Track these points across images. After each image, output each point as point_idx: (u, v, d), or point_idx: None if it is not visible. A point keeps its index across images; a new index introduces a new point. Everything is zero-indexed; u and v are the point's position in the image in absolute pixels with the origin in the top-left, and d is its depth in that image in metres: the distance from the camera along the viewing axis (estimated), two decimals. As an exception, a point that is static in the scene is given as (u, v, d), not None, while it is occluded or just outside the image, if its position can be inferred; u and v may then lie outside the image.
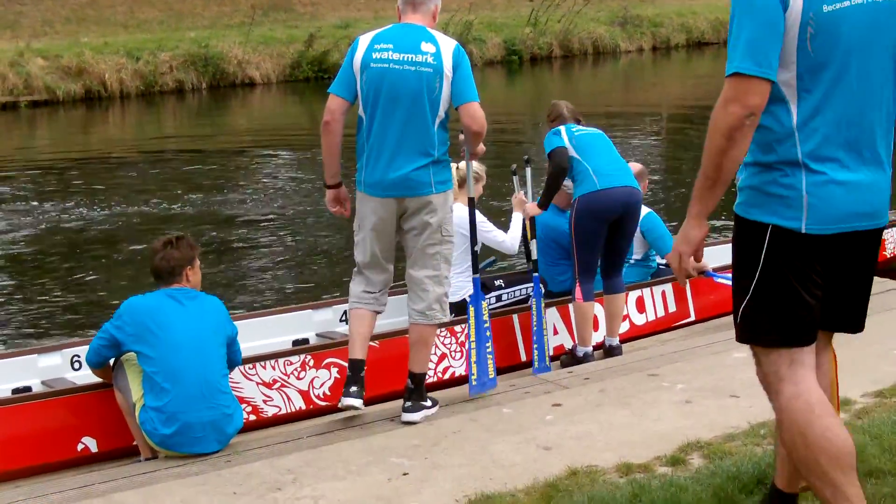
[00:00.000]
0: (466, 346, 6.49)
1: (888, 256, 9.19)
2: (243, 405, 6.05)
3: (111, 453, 5.84)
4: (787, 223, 3.20)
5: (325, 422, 5.95)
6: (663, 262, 8.25)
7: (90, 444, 5.83)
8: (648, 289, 7.84)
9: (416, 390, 5.74)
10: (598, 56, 34.58)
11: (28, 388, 6.39)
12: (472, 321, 6.25)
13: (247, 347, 6.67)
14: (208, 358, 5.52)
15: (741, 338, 3.39)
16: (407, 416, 5.63)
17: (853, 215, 3.22)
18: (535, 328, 6.93)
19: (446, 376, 6.91)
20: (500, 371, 6.42)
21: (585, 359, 7.01)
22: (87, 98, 25.84)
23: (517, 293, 7.67)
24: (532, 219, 7.30)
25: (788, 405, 3.27)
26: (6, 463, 5.62)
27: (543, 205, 7.26)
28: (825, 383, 3.48)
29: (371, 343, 6.13)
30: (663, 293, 7.90)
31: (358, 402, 5.69)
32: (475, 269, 6.47)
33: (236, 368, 6.03)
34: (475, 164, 7.29)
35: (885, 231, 8.94)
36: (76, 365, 6.59)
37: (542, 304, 6.94)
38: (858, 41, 3.14)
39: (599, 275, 7.27)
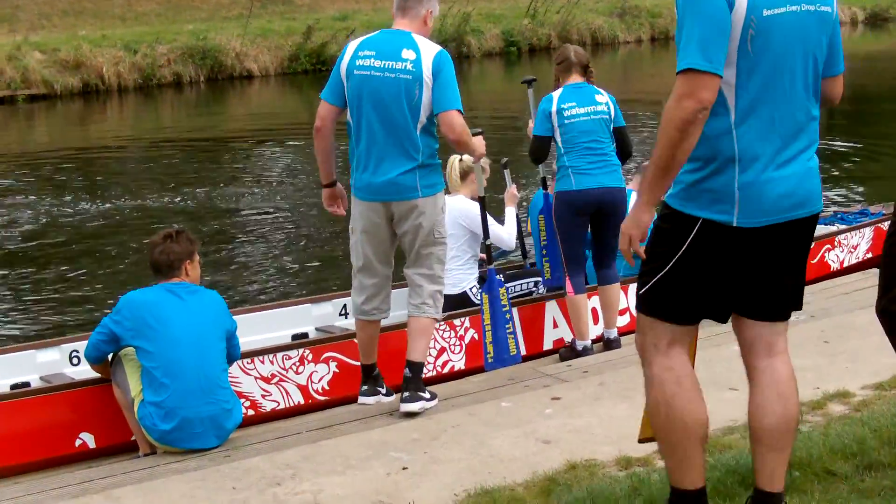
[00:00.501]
0: (482, 329, 6.70)
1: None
2: (242, 400, 6.04)
3: (109, 449, 5.84)
4: (718, 217, 3.37)
5: (324, 416, 5.95)
6: None
7: (88, 439, 5.83)
8: None
9: (414, 380, 5.79)
10: (597, 47, 34.52)
11: (27, 384, 6.38)
12: (485, 307, 6.57)
13: (246, 342, 6.66)
14: (208, 353, 5.51)
15: (640, 305, 3.63)
16: (405, 407, 5.66)
17: (784, 207, 3.40)
18: (488, 323, 6.81)
19: (445, 370, 6.91)
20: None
21: (584, 352, 7.00)
22: (85, 91, 25.80)
23: (518, 288, 7.68)
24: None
25: (660, 375, 3.53)
26: (4, 459, 5.61)
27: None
28: (788, 369, 3.65)
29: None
30: None
31: (371, 400, 6.01)
32: (489, 261, 6.76)
33: (235, 363, 6.03)
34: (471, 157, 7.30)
35: (883, 223, 8.95)
36: (75, 360, 6.58)
37: (500, 299, 6.79)
38: (789, 45, 3.33)
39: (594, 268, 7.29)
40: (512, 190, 7.62)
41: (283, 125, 21.72)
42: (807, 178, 3.45)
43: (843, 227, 9.04)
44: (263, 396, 6.30)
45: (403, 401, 5.70)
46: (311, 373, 6.45)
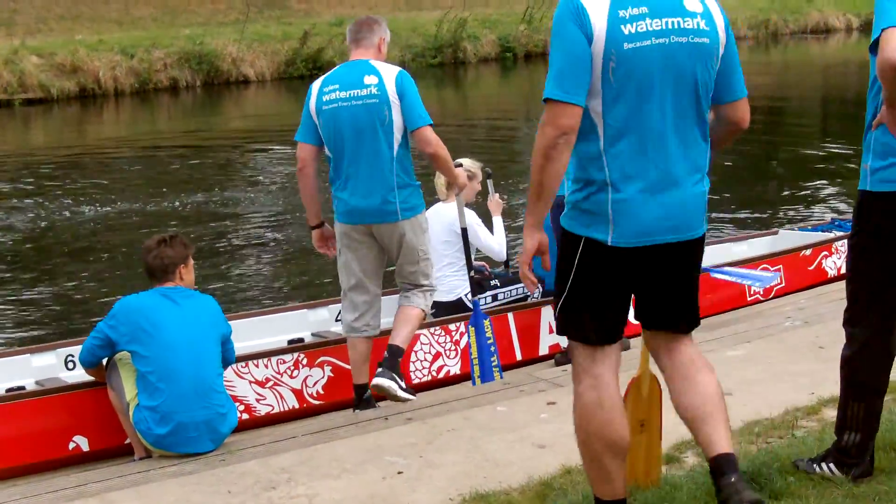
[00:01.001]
0: (468, 355, 6.73)
1: None
2: (236, 404, 6.04)
3: (103, 452, 5.83)
4: (596, 236, 3.54)
5: (320, 421, 5.96)
6: None
7: (82, 442, 5.82)
8: None
9: (390, 360, 6.04)
10: (593, 53, 34.50)
11: (22, 388, 6.37)
12: (472, 339, 6.60)
13: (242, 347, 6.66)
14: (203, 357, 5.51)
15: (557, 329, 3.81)
16: (376, 381, 5.94)
17: (655, 230, 3.53)
18: (476, 346, 6.80)
19: (441, 375, 6.91)
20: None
21: None
22: (82, 96, 25.81)
23: (513, 293, 7.69)
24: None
25: (583, 393, 3.68)
26: (-2, 462, 5.62)
27: None
28: (689, 355, 3.74)
29: None
30: None
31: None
32: (473, 293, 6.85)
33: (229, 367, 6.02)
34: (468, 162, 7.34)
35: None
36: (70, 364, 6.57)
37: (486, 331, 6.74)
38: (655, 75, 3.46)
39: None
40: (495, 198, 7.65)
41: (280, 130, 21.70)
42: (685, 203, 3.57)
43: (841, 234, 9.03)
44: (258, 400, 6.30)
45: (377, 376, 5.94)
46: (306, 377, 6.46)
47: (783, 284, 8.35)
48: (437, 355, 6.91)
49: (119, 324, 5.50)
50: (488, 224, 7.60)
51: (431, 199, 7.02)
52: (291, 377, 6.41)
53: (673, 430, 4.88)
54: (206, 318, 5.61)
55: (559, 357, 7.14)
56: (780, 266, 8.31)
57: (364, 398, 6.14)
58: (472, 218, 7.22)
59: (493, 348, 6.62)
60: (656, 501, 4.03)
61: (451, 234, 7.23)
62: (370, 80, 5.93)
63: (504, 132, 19.78)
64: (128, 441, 5.70)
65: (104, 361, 5.68)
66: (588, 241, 3.56)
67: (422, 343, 6.77)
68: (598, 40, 3.42)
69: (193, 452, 5.41)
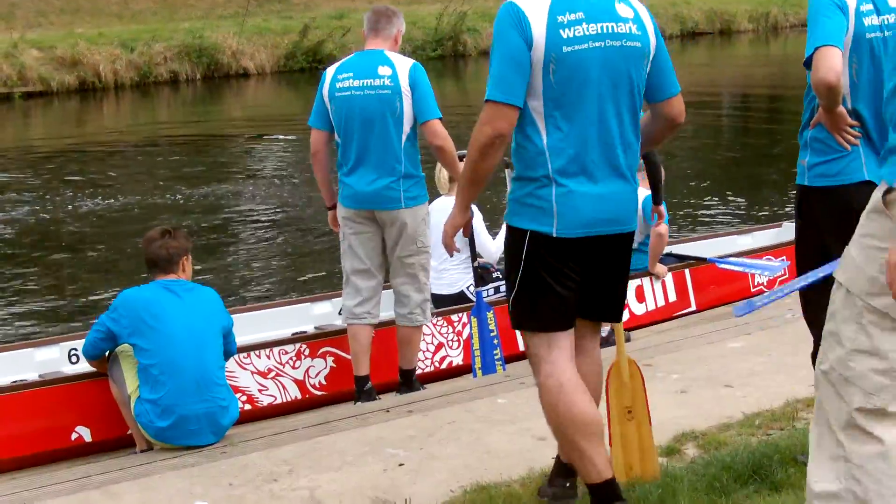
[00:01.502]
0: (470, 352, 6.74)
1: None
2: (238, 394, 6.06)
3: (105, 443, 5.85)
4: (541, 228, 3.72)
5: (321, 413, 5.97)
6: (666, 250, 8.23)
7: (84, 433, 5.83)
8: (648, 278, 7.82)
9: (406, 384, 6.25)
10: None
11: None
12: (474, 331, 6.61)
13: (245, 341, 6.68)
14: (204, 350, 5.52)
15: (512, 324, 3.97)
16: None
17: (596, 221, 3.74)
18: (478, 337, 6.82)
19: (443, 366, 6.92)
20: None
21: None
22: (82, 89, 25.76)
23: None
24: None
25: (544, 382, 3.81)
26: (0, 452, 5.62)
27: None
28: (595, 368, 4.01)
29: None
30: (663, 283, 7.90)
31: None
32: (476, 284, 6.83)
33: (231, 358, 6.03)
34: None
35: None
36: (73, 358, 6.58)
37: (488, 324, 6.79)
38: (593, 77, 3.66)
39: None
40: None
41: (280, 123, 21.70)
42: (621, 197, 3.79)
43: None
44: (260, 391, 6.31)
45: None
46: (308, 367, 6.47)
47: (787, 276, 8.32)
48: (439, 346, 6.92)
49: (121, 316, 5.50)
50: (497, 226, 7.60)
51: (432, 192, 7.01)
52: (294, 368, 6.42)
53: (673, 422, 4.90)
54: (207, 311, 5.62)
55: None
56: (785, 257, 8.30)
57: (365, 389, 6.16)
58: (476, 218, 7.19)
59: (495, 340, 6.63)
60: (656, 493, 4.03)
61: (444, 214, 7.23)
62: (384, 70, 6.04)
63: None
64: (131, 432, 5.70)
65: (107, 354, 5.68)
66: (533, 233, 3.74)
67: (424, 334, 6.77)
68: (537, 44, 3.61)
69: (195, 445, 5.42)
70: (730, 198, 13.30)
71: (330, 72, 6.20)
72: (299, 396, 6.41)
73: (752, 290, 8.24)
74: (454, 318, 6.95)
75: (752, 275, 8.16)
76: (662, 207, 7.42)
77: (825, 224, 4.15)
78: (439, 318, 6.88)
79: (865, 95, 4.02)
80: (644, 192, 7.66)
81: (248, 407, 6.20)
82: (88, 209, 13.75)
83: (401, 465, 4.79)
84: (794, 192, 4.37)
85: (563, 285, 3.78)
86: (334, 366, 6.52)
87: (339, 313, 7.54)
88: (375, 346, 6.34)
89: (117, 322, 5.50)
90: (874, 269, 2.65)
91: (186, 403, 5.38)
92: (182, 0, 33.72)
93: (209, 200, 14.17)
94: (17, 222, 13.22)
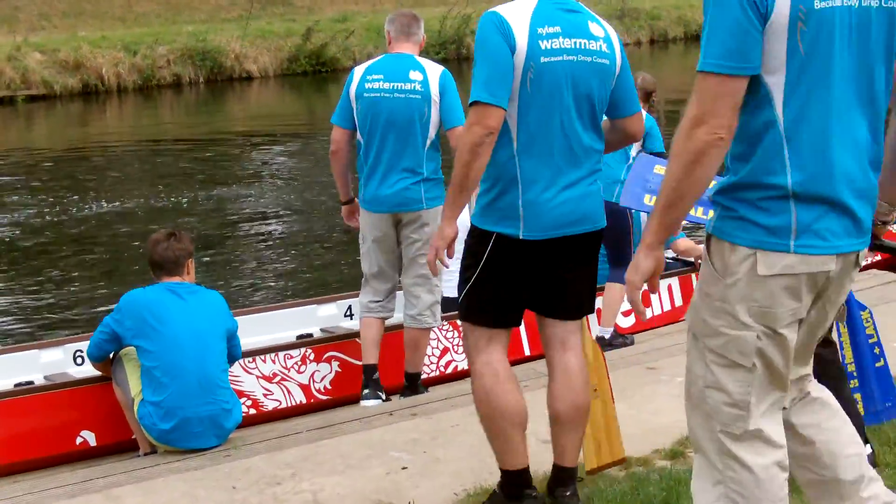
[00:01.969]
0: None
1: None
2: (243, 399, 6.06)
3: (110, 447, 5.84)
4: (507, 231, 3.93)
5: (324, 416, 5.96)
6: (670, 255, 8.23)
7: (89, 437, 5.83)
8: None
9: (411, 388, 6.24)
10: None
11: (30, 383, 6.39)
12: None
13: (251, 342, 6.68)
14: (208, 353, 5.51)
15: (460, 315, 4.18)
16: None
17: (561, 224, 3.94)
18: None
19: (449, 370, 6.92)
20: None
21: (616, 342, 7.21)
22: (85, 92, 25.79)
23: None
24: None
25: (480, 370, 4.05)
26: (5, 456, 5.62)
27: None
28: (580, 361, 4.14)
29: (360, 341, 6.44)
30: (669, 287, 7.88)
31: (373, 403, 6.14)
32: None
33: (236, 362, 6.03)
34: None
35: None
36: (78, 360, 6.58)
37: None
38: (565, 88, 3.87)
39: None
40: None
41: (284, 126, 21.72)
42: (585, 200, 3.99)
43: None
44: (265, 395, 6.31)
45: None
46: (314, 372, 6.46)
47: None
48: (444, 350, 6.91)
49: (124, 318, 5.50)
50: None
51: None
52: (299, 372, 6.42)
53: (676, 425, 4.89)
54: (211, 314, 5.61)
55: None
56: None
57: (373, 379, 6.23)
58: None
59: None
60: (660, 497, 4.03)
61: (462, 230, 7.22)
62: (415, 75, 6.10)
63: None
64: (135, 437, 5.70)
65: (111, 356, 5.68)
66: (499, 235, 3.94)
67: (430, 339, 6.77)
68: (519, 52, 3.81)
69: (198, 448, 5.42)
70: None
71: (359, 71, 6.22)
72: (304, 401, 6.41)
73: None
74: (460, 322, 6.94)
75: None
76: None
77: None
78: (445, 323, 6.87)
79: None
80: None
81: (252, 412, 6.19)
82: (92, 212, 13.76)
83: (404, 468, 4.78)
84: None
85: (519, 287, 4.02)
86: (340, 370, 6.51)
87: (346, 315, 7.56)
88: (381, 350, 6.34)
89: (121, 324, 5.50)
90: (707, 312, 2.86)
91: (190, 406, 5.38)
92: (185, 3, 33.75)
93: (213, 203, 14.17)
94: (20, 225, 13.23)
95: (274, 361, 6.34)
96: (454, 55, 31.64)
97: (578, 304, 4.16)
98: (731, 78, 2.68)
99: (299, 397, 6.40)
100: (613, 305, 7.31)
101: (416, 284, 6.24)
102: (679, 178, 2.74)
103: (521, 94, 3.84)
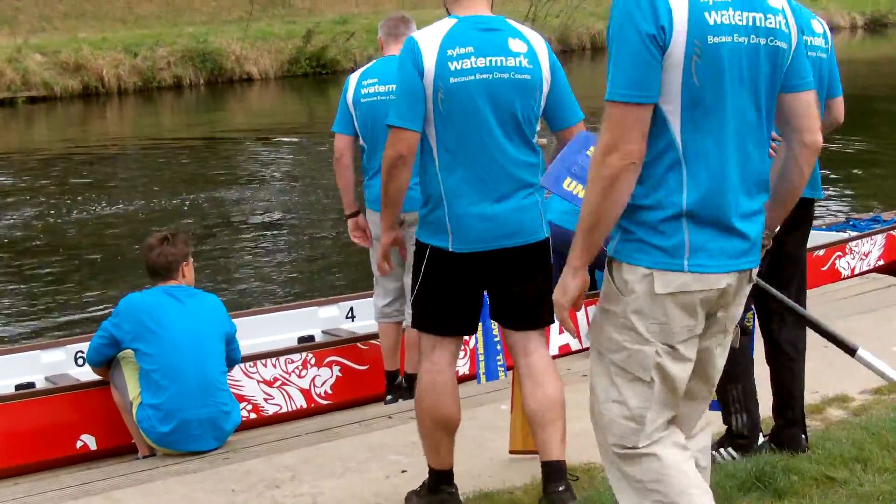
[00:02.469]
0: (475, 351, 6.65)
1: None
2: (244, 403, 6.05)
3: (110, 451, 5.84)
4: (439, 244, 4.08)
5: (323, 420, 5.96)
6: None
7: (89, 441, 5.82)
8: None
9: (410, 389, 6.09)
10: (597, 51, 34.55)
11: (31, 384, 6.39)
12: (479, 335, 6.51)
13: (252, 344, 6.67)
14: (206, 355, 5.51)
15: (412, 322, 4.33)
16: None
17: (490, 238, 4.05)
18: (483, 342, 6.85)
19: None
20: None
21: None
22: (85, 94, 25.83)
23: None
24: None
25: (422, 375, 4.21)
26: (5, 460, 5.62)
27: None
28: (544, 366, 4.24)
29: (362, 345, 6.53)
30: None
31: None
32: None
33: (237, 366, 6.03)
34: None
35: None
36: (80, 361, 6.59)
37: (492, 330, 6.82)
38: (481, 106, 3.98)
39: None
40: None
41: (284, 128, 21.73)
42: (518, 213, 4.08)
43: (855, 234, 8.93)
44: (266, 400, 6.30)
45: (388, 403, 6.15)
46: (314, 377, 6.46)
47: None
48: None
49: (123, 321, 5.50)
50: None
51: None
52: (300, 377, 6.41)
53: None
54: (209, 316, 5.61)
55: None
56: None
57: (395, 384, 6.28)
58: None
59: (498, 346, 6.63)
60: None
61: None
62: None
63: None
64: (133, 440, 5.70)
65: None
66: (433, 248, 4.10)
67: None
68: (428, 75, 3.96)
69: (197, 450, 5.42)
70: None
71: (354, 78, 6.24)
72: (304, 406, 6.40)
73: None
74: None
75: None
76: None
77: None
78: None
79: None
80: None
81: (253, 416, 6.19)
82: (92, 213, 13.76)
83: (403, 471, 4.78)
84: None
85: (460, 296, 4.14)
86: (340, 375, 6.50)
87: (347, 317, 7.56)
88: (376, 356, 6.35)
89: (119, 327, 5.50)
90: (610, 328, 3.00)
91: (188, 408, 5.38)
92: (186, 5, 33.79)
93: (213, 205, 14.17)
94: (21, 226, 13.24)
95: (275, 366, 6.33)
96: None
97: (532, 315, 4.23)
98: (636, 106, 2.84)
99: (300, 402, 6.40)
100: None
101: None
102: (596, 203, 2.88)
103: (434, 115, 3.99)
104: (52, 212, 13.88)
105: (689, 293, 2.92)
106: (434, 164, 4.05)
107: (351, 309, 7.53)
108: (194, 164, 17.74)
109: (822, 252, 8.46)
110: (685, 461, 3.01)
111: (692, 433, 3.17)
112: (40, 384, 6.43)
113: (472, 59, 3.99)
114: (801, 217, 4.28)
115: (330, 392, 6.48)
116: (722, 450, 4.47)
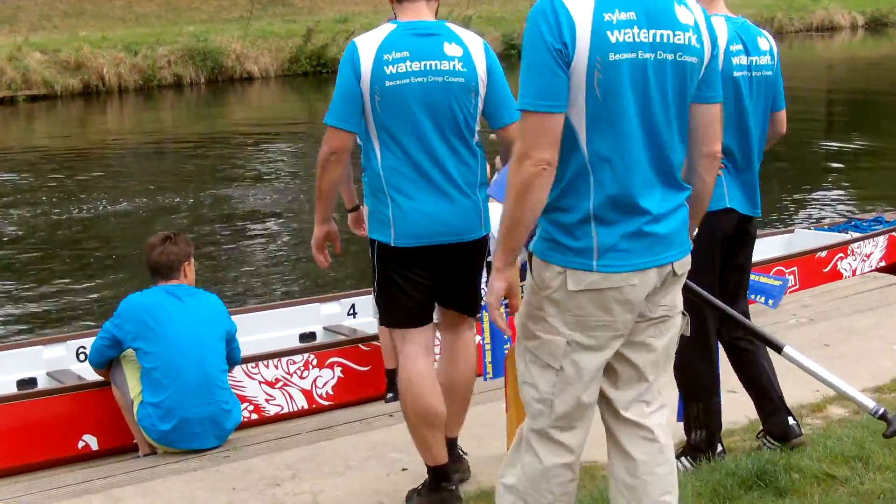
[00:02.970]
0: (481, 348, 6.66)
1: None
2: (245, 404, 6.05)
3: (112, 451, 5.83)
4: (383, 239, 4.21)
5: (324, 418, 5.96)
6: None
7: (91, 441, 5.82)
8: None
9: None
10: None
11: (33, 380, 6.39)
12: (485, 324, 6.47)
13: (254, 341, 6.66)
14: (207, 354, 5.51)
15: (379, 320, 4.47)
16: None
17: (429, 234, 4.17)
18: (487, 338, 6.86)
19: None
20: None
21: None
22: (86, 92, 25.80)
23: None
24: None
25: (399, 373, 4.30)
26: (7, 459, 5.61)
27: None
28: (466, 350, 4.46)
29: (364, 346, 6.52)
30: None
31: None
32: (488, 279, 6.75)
33: (238, 367, 6.03)
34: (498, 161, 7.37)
35: None
36: (81, 356, 6.59)
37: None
38: (416, 107, 4.11)
39: None
40: None
41: (284, 126, 21.73)
42: (455, 212, 4.20)
43: (857, 235, 8.92)
44: (267, 401, 6.29)
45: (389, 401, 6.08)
46: (316, 378, 6.45)
47: (797, 286, 8.22)
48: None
49: (124, 322, 5.50)
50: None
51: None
52: (301, 378, 6.40)
53: (677, 427, 4.89)
54: (210, 315, 5.61)
55: None
56: (795, 268, 8.21)
57: (395, 382, 6.20)
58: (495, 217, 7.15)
59: (507, 335, 6.60)
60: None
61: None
62: None
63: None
64: (135, 439, 5.70)
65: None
66: (379, 243, 4.23)
67: (438, 339, 6.76)
68: (364, 78, 4.09)
69: (197, 449, 5.42)
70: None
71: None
72: (306, 406, 6.39)
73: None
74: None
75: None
76: None
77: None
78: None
79: (732, 130, 4.27)
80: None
81: (255, 416, 6.18)
82: (93, 211, 13.77)
83: (404, 469, 4.79)
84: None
85: (410, 288, 4.24)
86: (342, 376, 6.49)
87: (349, 314, 7.55)
88: (376, 356, 6.34)
89: (120, 328, 5.50)
90: (527, 318, 3.22)
91: (189, 406, 5.38)
92: (186, 4, 33.77)
93: (214, 203, 14.18)
94: (22, 224, 13.24)
95: (276, 367, 6.32)
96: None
97: (463, 304, 4.43)
98: (547, 115, 3.00)
99: (301, 403, 6.39)
100: None
101: None
102: (513, 208, 3.05)
103: (373, 116, 4.12)
104: (52, 210, 13.88)
105: (599, 290, 3.09)
106: (376, 163, 4.17)
107: (352, 305, 7.52)
108: (195, 162, 17.74)
109: (824, 254, 8.44)
110: (564, 473, 3.24)
111: (648, 410, 3.31)
112: (42, 380, 6.43)
113: (408, 63, 4.11)
114: (744, 231, 4.49)
115: (331, 393, 6.48)
116: (683, 458, 4.51)
